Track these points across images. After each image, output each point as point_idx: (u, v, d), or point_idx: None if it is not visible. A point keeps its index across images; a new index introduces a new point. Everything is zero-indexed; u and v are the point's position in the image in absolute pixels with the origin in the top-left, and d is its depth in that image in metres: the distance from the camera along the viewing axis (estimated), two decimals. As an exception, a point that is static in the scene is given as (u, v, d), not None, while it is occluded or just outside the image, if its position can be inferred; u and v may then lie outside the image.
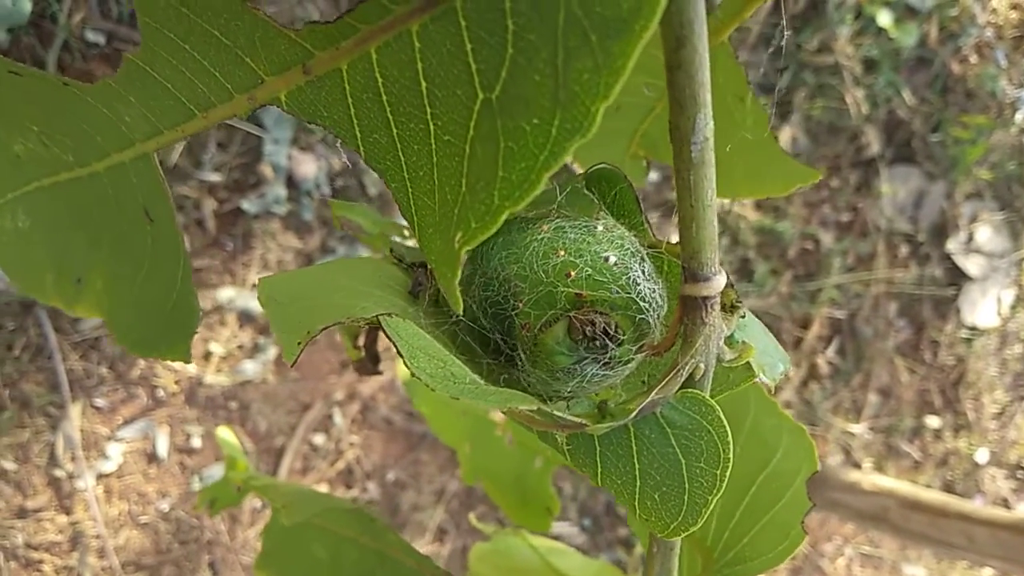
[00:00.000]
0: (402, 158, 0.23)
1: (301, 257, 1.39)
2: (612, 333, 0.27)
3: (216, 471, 1.33)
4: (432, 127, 0.22)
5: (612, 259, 0.28)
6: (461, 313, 0.24)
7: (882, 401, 1.80)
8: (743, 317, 0.27)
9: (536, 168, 0.19)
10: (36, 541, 1.22)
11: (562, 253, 0.28)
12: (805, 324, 1.73)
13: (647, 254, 0.30)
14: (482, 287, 0.30)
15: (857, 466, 1.77)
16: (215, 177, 1.32)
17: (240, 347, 1.36)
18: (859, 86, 1.65)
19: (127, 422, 1.29)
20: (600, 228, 0.29)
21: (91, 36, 1.22)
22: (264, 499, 0.64)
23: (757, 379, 0.28)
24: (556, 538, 1.54)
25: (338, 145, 0.25)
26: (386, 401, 1.44)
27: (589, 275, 0.28)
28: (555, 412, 0.24)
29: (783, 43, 1.48)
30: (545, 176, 0.19)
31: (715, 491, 0.24)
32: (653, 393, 0.24)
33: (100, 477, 1.27)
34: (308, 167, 1.40)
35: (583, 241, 0.29)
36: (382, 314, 0.25)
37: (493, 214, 0.20)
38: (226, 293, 1.35)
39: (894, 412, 1.81)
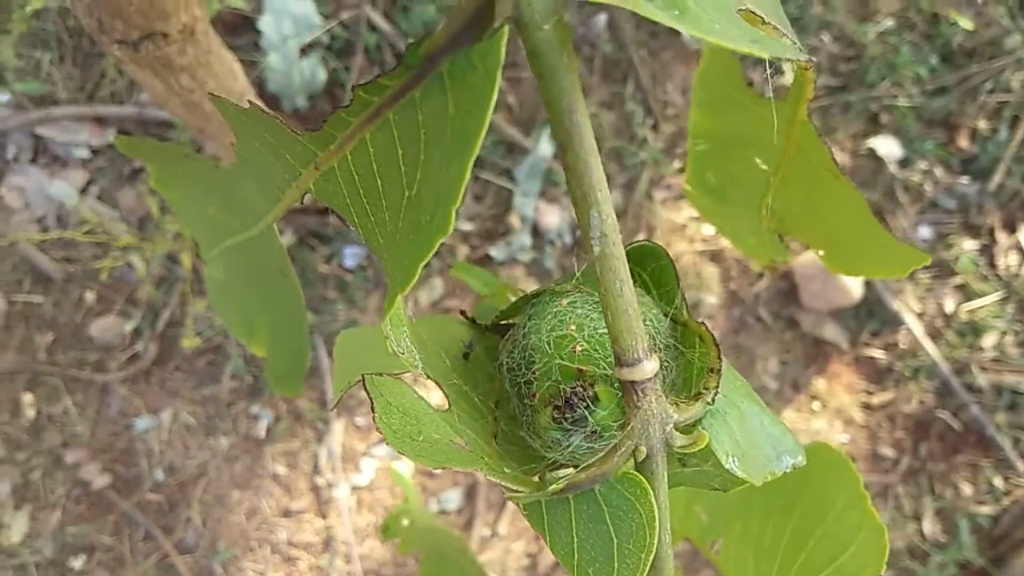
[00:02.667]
0: (380, 241, 0.27)
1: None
2: (587, 404, 0.28)
3: (453, 496, 1.43)
4: (387, 216, 0.26)
5: (596, 338, 0.29)
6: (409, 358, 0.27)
7: None
8: (711, 404, 0.27)
9: (426, 254, 0.22)
10: (296, 539, 1.40)
11: (571, 327, 0.30)
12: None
13: (665, 331, 0.31)
14: (508, 352, 0.33)
15: None
16: (468, 226, 1.44)
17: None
18: None
19: (380, 441, 1.44)
20: None
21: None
22: (401, 540, 0.69)
23: (736, 472, 0.27)
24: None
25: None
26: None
27: (584, 350, 0.30)
28: (499, 477, 0.26)
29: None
30: (428, 256, 0.22)
31: (639, 575, 0.25)
32: (583, 471, 0.25)
33: (354, 489, 1.43)
34: (552, 218, 1.47)
35: (588, 316, 0.30)
36: (372, 374, 0.29)
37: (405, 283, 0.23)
38: (471, 332, 1.46)
39: None
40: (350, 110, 0.25)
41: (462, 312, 0.38)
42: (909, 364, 1.49)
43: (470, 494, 1.42)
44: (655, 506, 0.25)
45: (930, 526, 1.46)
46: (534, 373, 0.31)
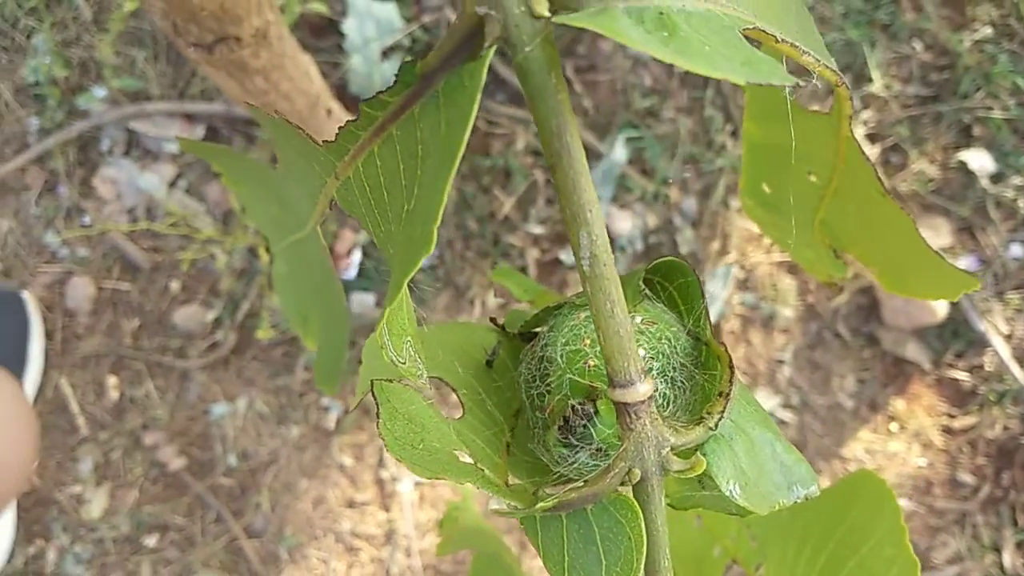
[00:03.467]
0: (390, 250, 0.28)
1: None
2: (589, 420, 0.28)
3: (513, 498, 1.43)
4: (392, 228, 0.26)
5: None
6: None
7: None
8: (713, 429, 0.26)
9: (409, 271, 0.22)
10: (359, 530, 1.43)
11: (586, 342, 0.30)
12: None
13: (683, 350, 0.30)
14: (526, 363, 0.33)
15: None
16: (539, 229, 1.45)
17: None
18: None
19: (444, 440, 1.46)
20: (638, 320, 0.30)
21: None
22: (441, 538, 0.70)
23: (736, 500, 0.27)
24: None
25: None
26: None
27: (596, 365, 0.29)
28: (492, 490, 0.26)
29: None
30: (412, 272, 0.22)
31: (624, 599, 0.24)
32: (574, 490, 0.25)
33: (416, 484, 1.45)
34: (624, 224, 1.46)
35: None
36: (381, 380, 0.29)
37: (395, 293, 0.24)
38: (538, 335, 1.46)
39: None
40: (358, 124, 0.25)
41: (491, 319, 0.38)
42: (994, 388, 1.42)
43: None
44: (644, 531, 0.24)
45: (1010, 559, 1.39)
46: (548, 386, 0.31)
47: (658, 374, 0.28)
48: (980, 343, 1.43)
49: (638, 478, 0.25)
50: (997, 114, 1.43)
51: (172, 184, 1.45)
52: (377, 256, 1.47)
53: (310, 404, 1.45)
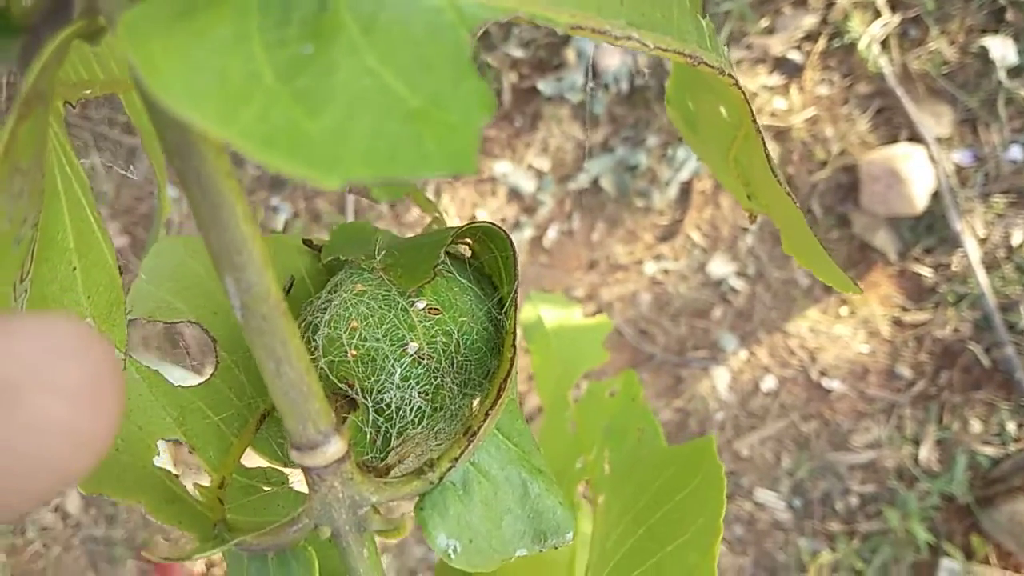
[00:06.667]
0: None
1: (580, 149, 1.39)
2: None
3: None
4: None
5: (373, 347, 0.24)
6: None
7: None
8: (434, 484, 0.22)
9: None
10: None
11: (353, 325, 0.25)
12: None
13: (475, 342, 0.26)
14: (302, 318, 0.28)
15: None
16: (519, 53, 1.35)
17: (503, 220, 1.42)
18: None
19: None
20: (419, 306, 0.25)
21: None
22: None
23: (452, 561, 0.23)
24: (760, 505, 1.46)
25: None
26: (623, 312, 1.43)
27: (359, 355, 0.25)
28: (161, 518, 0.23)
29: None
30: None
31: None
32: (254, 536, 0.22)
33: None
34: (613, 59, 1.36)
35: (369, 319, 0.25)
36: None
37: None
38: (503, 167, 1.40)
39: None
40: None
41: (306, 240, 0.33)
42: (955, 289, 1.40)
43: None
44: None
45: (927, 453, 1.42)
46: (314, 355, 0.26)
47: (416, 383, 0.23)
48: (952, 242, 1.39)
49: (327, 535, 0.22)
50: (1034, 1, 1.30)
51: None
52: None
53: (258, 202, 1.41)
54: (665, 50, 0.20)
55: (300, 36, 0.13)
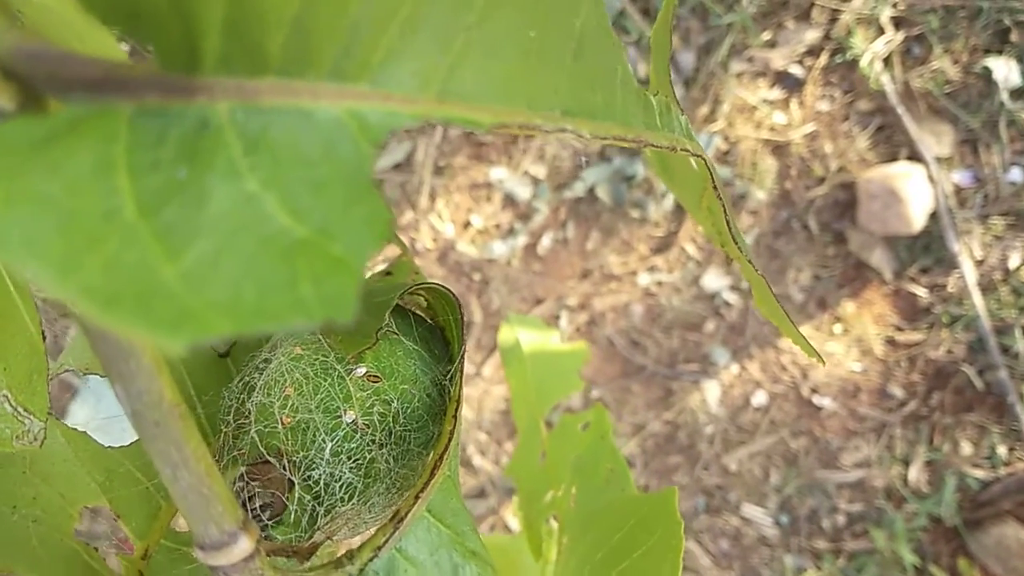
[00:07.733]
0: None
1: (576, 156, 1.38)
2: (267, 507, 0.23)
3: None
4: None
5: (305, 419, 0.23)
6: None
7: None
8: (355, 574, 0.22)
9: None
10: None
11: (289, 391, 0.24)
12: None
13: (416, 411, 0.25)
14: (239, 377, 0.27)
15: None
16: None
17: (497, 226, 1.41)
18: None
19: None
20: (359, 372, 0.24)
21: None
22: None
23: None
24: (747, 521, 1.45)
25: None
26: (615, 322, 1.42)
27: (292, 423, 0.24)
28: None
29: None
30: None
31: None
32: None
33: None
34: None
35: (304, 387, 0.24)
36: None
37: None
38: (499, 172, 1.39)
39: None
40: None
41: None
42: (950, 311, 1.39)
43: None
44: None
45: (916, 474, 1.41)
46: (241, 425, 0.25)
47: (348, 457, 0.23)
48: (949, 263, 1.38)
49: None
50: (1039, 23, 1.29)
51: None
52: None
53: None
54: (604, 138, 0.19)
55: (176, 158, 0.12)
